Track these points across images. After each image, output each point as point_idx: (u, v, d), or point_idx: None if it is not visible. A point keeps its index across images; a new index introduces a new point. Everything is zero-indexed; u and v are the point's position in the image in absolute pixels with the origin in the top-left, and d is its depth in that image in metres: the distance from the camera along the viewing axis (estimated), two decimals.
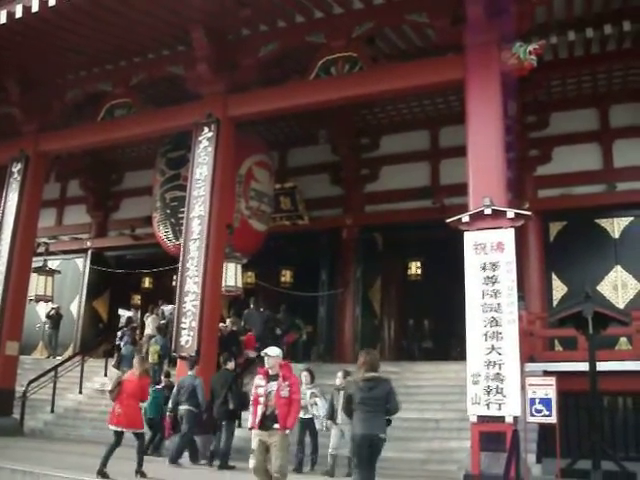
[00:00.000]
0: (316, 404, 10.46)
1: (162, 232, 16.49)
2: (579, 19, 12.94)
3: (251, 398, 7.11)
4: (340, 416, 9.55)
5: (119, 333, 17.59)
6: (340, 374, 10.38)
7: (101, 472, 8.70)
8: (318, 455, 10.57)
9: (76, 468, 9.42)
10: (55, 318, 20.11)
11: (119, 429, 9.12)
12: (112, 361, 17.08)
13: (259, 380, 6.98)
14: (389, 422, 7.09)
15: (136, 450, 9.18)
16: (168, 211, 16.10)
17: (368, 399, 6.83)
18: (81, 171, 21.94)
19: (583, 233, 15.34)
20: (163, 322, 16.93)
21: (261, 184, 16.43)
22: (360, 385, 6.89)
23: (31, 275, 16.08)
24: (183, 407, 10.89)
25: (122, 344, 16.76)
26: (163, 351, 15.34)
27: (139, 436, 9.31)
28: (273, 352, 7.07)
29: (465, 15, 10.94)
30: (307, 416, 10.39)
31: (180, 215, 15.03)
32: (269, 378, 6.86)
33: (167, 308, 17.58)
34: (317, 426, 10.48)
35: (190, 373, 11.26)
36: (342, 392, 9.28)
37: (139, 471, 9.07)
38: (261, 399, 6.80)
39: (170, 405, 11.18)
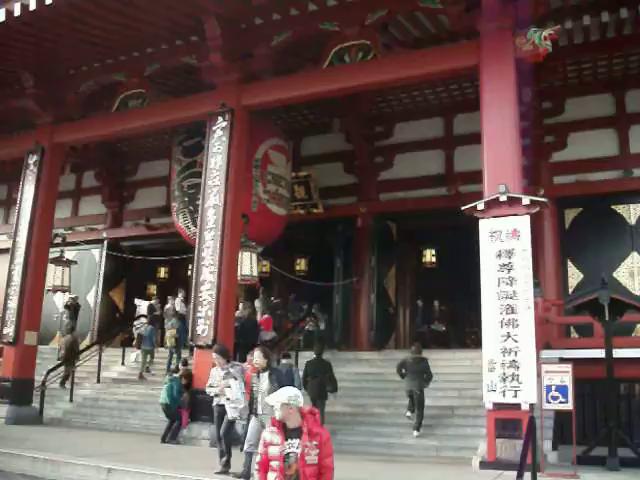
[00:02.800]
0: (229, 387, 8.59)
1: (181, 221, 16.59)
2: (594, 3, 12.79)
3: (256, 459, 4.94)
4: (261, 406, 7.93)
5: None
6: (257, 353, 8.32)
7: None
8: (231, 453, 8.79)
9: (96, 456, 9.54)
10: (73, 308, 20.29)
11: None
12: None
13: (271, 435, 4.70)
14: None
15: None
16: (186, 199, 16.20)
17: (414, 370, 11.86)
18: (96, 162, 22.06)
19: (599, 219, 15.23)
20: (177, 310, 17.49)
21: (278, 167, 16.47)
22: (410, 361, 12.03)
23: (48, 266, 16.20)
24: None
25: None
26: (179, 335, 15.64)
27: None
28: (284, 397, 4.75)
29: (479, 1, 10.86)
30: (221, 402, 8.81)
31: (198, 202, 15.10)
32: (287, 434, 4.64)
33: (177, 301, 18.00)
34: (229, 414, 8.55)
35: (284, 362, 12.21)
36: (264, 375, 7.99)
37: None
38: (275, 463, 4.60)
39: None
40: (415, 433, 11.50)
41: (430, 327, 18.84)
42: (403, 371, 12.04)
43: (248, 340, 15.38)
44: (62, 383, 16.24)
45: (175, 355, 15.83)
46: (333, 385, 12.34)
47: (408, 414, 11.84)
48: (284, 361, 12.28)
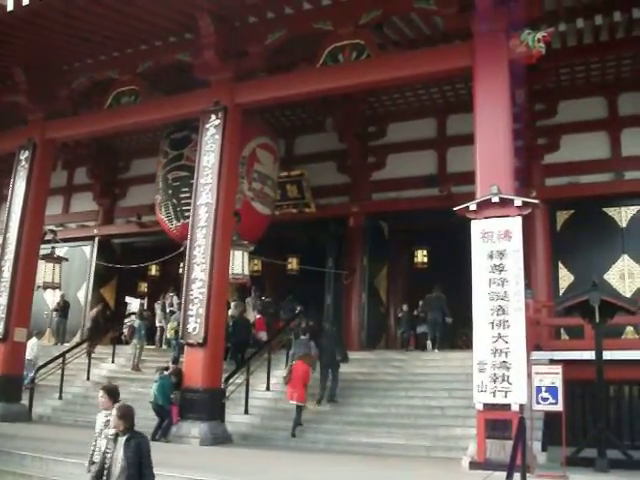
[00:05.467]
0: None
1: (163, 214, 16.44)
2: (588, 6, 12.87)
3: None
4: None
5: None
6: (114, 411, 5.52)
7: (293, 434, 12.02)
8: None
9: (84, 454, 9.47)
10: (62, 306, 20.24)
11: (294, 403, 12.19)
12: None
13: None
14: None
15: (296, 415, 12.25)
16: (170, 191, 16.06)
17: (434, 305, 16.06)
18: (88, 159, 21.97)
19: (590, 222, 15.30)
20: (172, 309, 17.71)
21: (264, 166, 16.38)
22: (432, 298, 16.16)
23: (39, 262, 16.12)
24: None
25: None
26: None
27: (301, 407, 12.30)
28: None
29: (473, 2, 10.87)
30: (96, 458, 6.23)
31: (182, 196, 15.13)
32: None
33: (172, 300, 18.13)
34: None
35: (303, 337, 13.69)
36: (121, 441, 5.43)
37: (293, 434, 12.10)
38: None
39: (290, 360, 13.51)
40: (436, 351, 15.43)
41: (415, 332, 17.33)
42: (426, 308, 16.36)
43: (241, 339, 15.47)
44: (89, 354, 17.35)
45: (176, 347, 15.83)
46: (343, 355, 13.91)
47: (429, 343, 15.92)
48: (303, 337, 13.77)
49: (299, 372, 12.45)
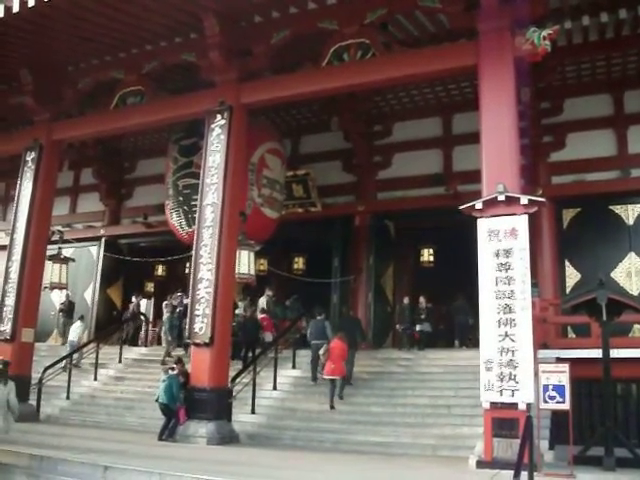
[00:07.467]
0: None
1: (175, 220, 16.56)
2: (593, 3, 12.82)
3: None
4: None
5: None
6: None
7: (332, 406, 12.85)
8: None
9: (93, 452, 9.53)
10: (68, 307, 20.30)
11: (332, 377, 12.99)
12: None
13: None
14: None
15: (330, 389, 13.03)
16: (181, 198, 16.18)
17: (460, 311, 16.20)
18: (94, 159, 22.03)
19: (597, 220, 15.26)
20: (181, 309, 17.58)
21: (273, 172, 16.49)
22: (459, 305, 16.45)
23: (46, 263, 16.18)
24: (317, 341, 14.07)
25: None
26: None
27: (335, 381, 13.04)
28: None
29: (478, 0, 10.86)
30: None
31: (193, 202, 15.13)
32: None
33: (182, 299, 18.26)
34: None
35: (319, 318, 14.59)
36: None
37: (332, 406, 12.89)
38: None
39: (308, 338, 14.50)
40: (464, 348, 15.55)
41: (414, 329, 16.36)
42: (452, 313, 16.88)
43: (248, 339, 15.53)
44: (124, 341, 18.74)
45: None
46: (362, 337, 15.13)
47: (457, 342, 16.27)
48: (319, 317, 14.57)
49: (337, 349, 13.21)
